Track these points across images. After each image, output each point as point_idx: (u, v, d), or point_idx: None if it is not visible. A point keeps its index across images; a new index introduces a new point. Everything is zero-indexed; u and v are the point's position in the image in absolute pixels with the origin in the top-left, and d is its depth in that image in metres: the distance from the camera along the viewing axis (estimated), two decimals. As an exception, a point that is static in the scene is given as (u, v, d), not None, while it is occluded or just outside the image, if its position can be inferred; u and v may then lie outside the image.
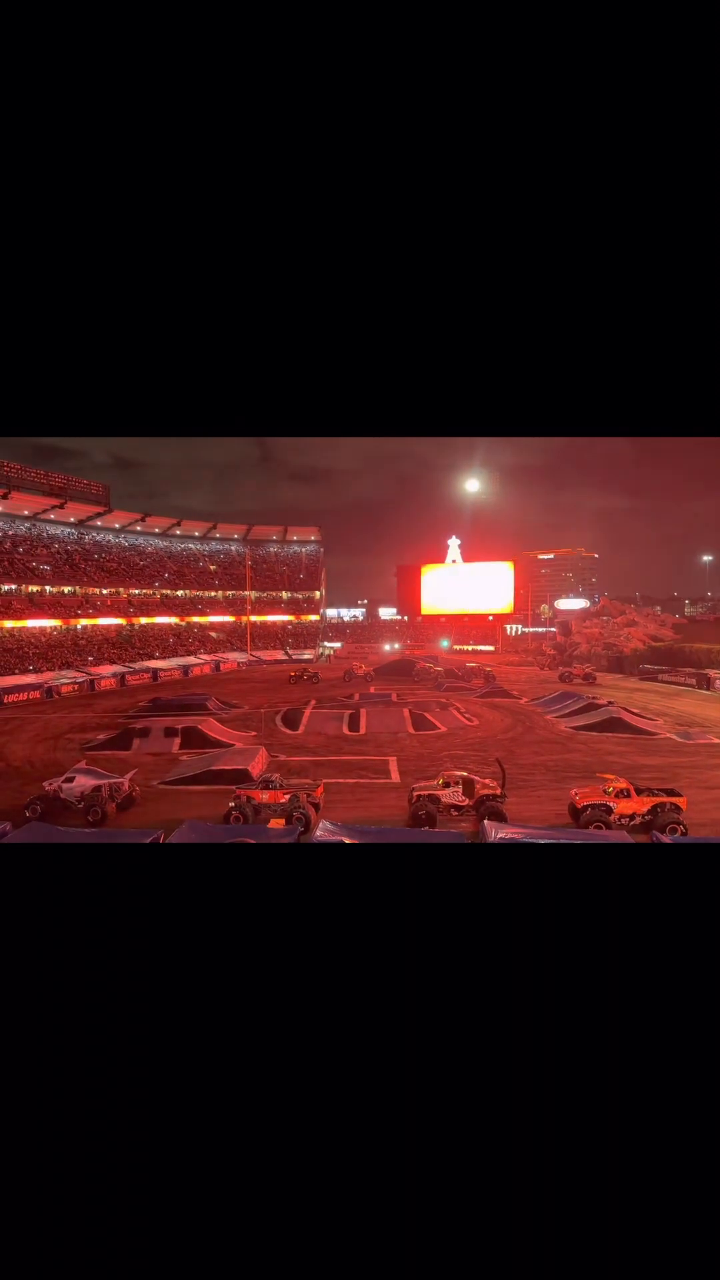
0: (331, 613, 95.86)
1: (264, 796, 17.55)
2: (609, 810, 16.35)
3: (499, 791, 17.41)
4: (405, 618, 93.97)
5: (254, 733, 29.24)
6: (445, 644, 77.20)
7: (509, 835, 14.91)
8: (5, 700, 40.31)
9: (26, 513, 66.30)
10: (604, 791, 16.84)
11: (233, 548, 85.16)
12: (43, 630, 59.12)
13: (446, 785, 17.71)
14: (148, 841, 14.38)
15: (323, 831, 15.48)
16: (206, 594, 78.71)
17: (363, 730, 29.72)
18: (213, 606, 78.02)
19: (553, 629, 77.32)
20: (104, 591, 68.52)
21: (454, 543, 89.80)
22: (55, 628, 60.48)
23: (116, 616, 67.14)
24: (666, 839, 15.14)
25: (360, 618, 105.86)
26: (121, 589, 70.54)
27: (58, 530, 69.74)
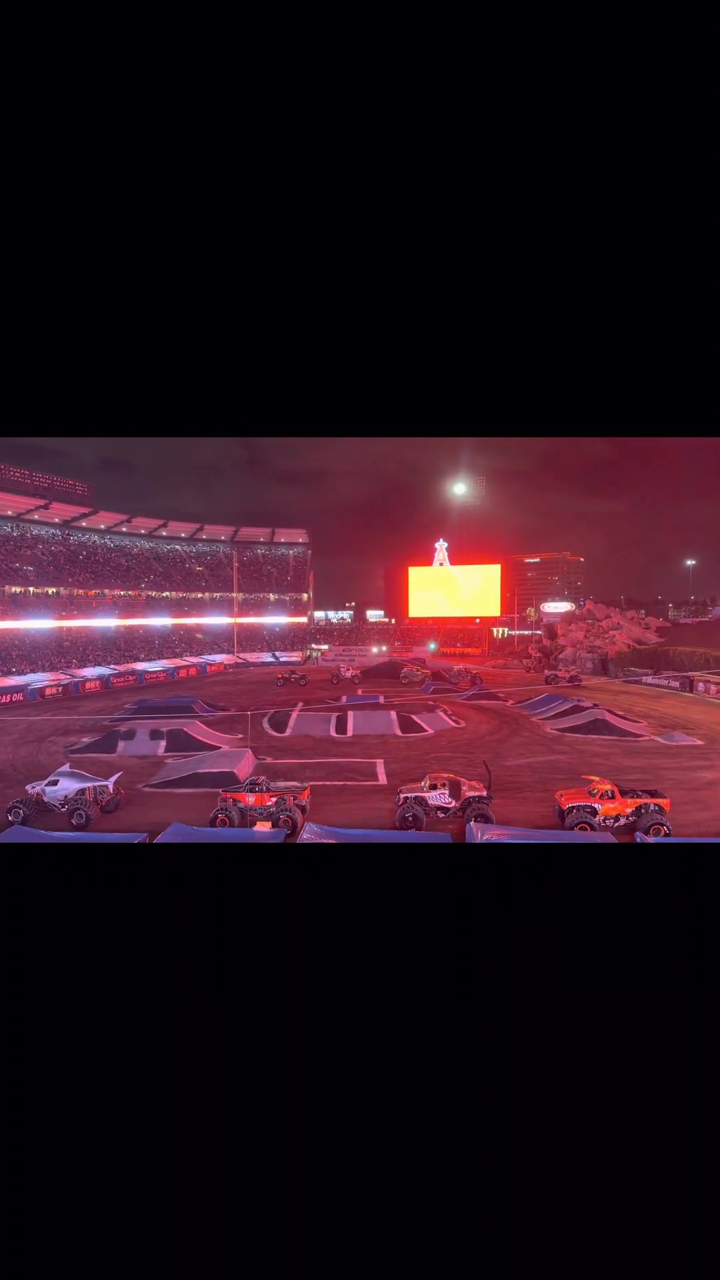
0: (319, 615, 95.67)
1: (250, 799, 17.47)
2: (594, 812, 16.46)
3: (485, 793, 17.48)
4: (393, 620, 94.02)
5: (240, 735, 29.09)
6: (432, 646, 77.32)
7: (495, 837, 14.96)
8: (-13, 702, 39.82)
9: (10, 513, 65.56)
10: (589, 793, 16.96)
11: (220, 549, 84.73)
12: (26, 631, 58.44)
13: (433, 787, 17.74)
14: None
15: (309, 835, 15.43)
16: (193, 595, 78.25)
17: (350, 732, 29.69)
18: (199, 608, 77.57)
19: (539, 632, 77.71)
20: (89, 593, 67.88)
21: (441, 545, 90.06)
22: (39, 629, 59.81)
23: (101, 618, 66.53)
24: (650, 839, 15.33)
25: (348, 620, 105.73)
26: (107, 590, 69.95)
27: (42, 531, 69.02)
